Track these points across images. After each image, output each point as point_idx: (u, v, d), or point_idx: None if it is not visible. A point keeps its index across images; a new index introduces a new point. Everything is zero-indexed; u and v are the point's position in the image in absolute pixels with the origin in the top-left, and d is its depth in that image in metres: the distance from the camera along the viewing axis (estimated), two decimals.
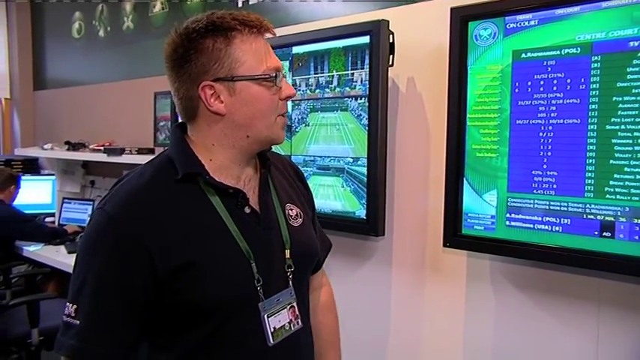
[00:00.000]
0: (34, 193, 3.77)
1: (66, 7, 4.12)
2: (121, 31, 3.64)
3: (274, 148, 1.05)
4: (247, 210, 0.94)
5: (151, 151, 3.04)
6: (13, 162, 4.00)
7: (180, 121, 0.97)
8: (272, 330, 0.93)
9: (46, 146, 3.71)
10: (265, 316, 0.92)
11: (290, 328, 0.96)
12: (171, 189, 0.90)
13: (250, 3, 2.90)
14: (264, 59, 0.91)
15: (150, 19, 3.44)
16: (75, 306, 0.85)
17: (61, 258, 3.04)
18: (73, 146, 3.56)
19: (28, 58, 4.48)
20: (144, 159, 2.94)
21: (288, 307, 0.97)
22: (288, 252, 0.98)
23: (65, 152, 3.55)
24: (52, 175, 3.92)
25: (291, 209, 1.04)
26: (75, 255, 0.92)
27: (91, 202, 3.62)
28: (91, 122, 3.84)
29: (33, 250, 3.23)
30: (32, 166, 4.08)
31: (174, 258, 0.86)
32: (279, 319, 0.95)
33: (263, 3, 2.82)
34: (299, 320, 0.98)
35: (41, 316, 2.63)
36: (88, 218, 0.90)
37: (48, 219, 3.78)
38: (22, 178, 3.45)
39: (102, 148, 3.23)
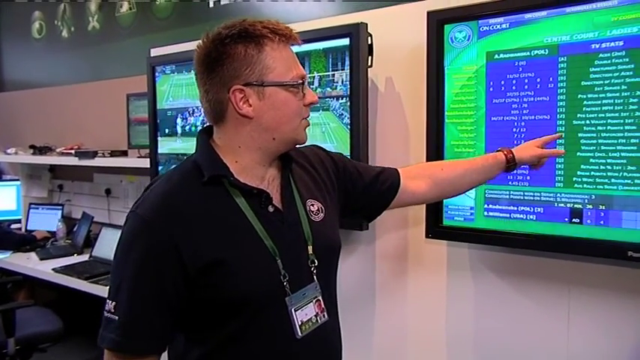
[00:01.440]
0: None
1: (24, 7, 4.01)
2: (86, 31, 3.57)
3: None
4: (271, 209, 1.00)
5: (124, 153, 3.02)
6: None
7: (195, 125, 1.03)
8: (299, 323, 0.98)
9: (9, 151, 3.60)
10: (292, 309, 0.98)
11: (317, 321, 1.01)
12: (199, 191, 0.96)
13: (222, 3, 2.92)
14: (292, 67, 0.98)
15: (117, 20, 3.40)
16: (114, 303, 0.92)
17: (32, 265, 2.98)
18: (39, 150, 3.48)
19: None
20: (117, 161, 2.94)
21: (314, 300, 1.02)
22: (310, 248, 1.03)
23: (31, 156, 3.47)
24: (17, 180, 3.82)
25: (312, 205, 1.08)
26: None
27: (61, 207, 3.55)
28: (56, 125, 3.76)
29: (1, 257, 3.14)
30: None
31: (203, 256, 0.91)
32: (305, 313, 1.00)
33: (235, 3, 2.85)
34: (325, 313, 1.03)
35: (17, 324, 2.58)
36: (123, 222, 0.97)
37: (14, 225, 3.67)
38: None
39: (71, 151, 3.17)
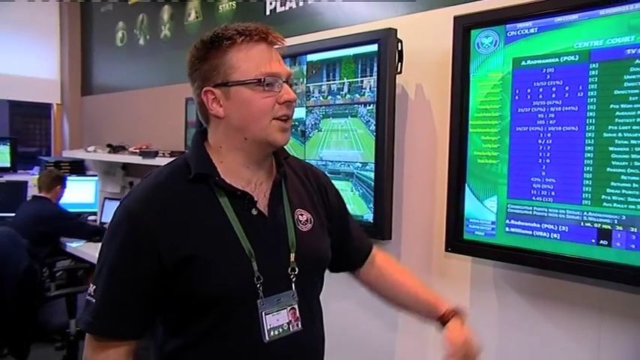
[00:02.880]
0: (79, 193, 4.02)
1: (112, 17, 4.37)
2: (159, 39, 3.82)
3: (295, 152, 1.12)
4: (254, 212, 1.01)
5: (181, 153, 3.18)
6: (61, 163, 4.27)
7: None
8: (268, 327, 0.98)
9: (89, 149, 3.94)
10: (263, 313, 0.98)
11: (288, 329, 1.00)
12: (184, 188, 0.99)
13: (277, 11, 3.00)
14: (260, 65, 0.97)
15: (185, 28, 3.60)
16: (94, 287, 0.97)
17: None
18: (114, 149, 3.76)
19: (77, 65, 4.76)
20: None
21: (288, 308, 1.01)
22: (293, 255, 1.02)
23: (106, 154, 3.76)
24: (95, 176, 4.16)
25: (302, 214, 1.08)
26: None
27: None
28: (131, 126, 4.05)
29: (75, 246, 3.44)
30: (79, 168, 4.34)
31: (179, 250, 0.94)
32: (277, 319, 0.99)
33: (290, 10, 2.91)
34: (299, 323, 1.02)
35: (79, 308, 2.82)
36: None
37: (90, 217, 4.01)
38: (68, 178, 3.69)
39: (139, 150, 3.41)
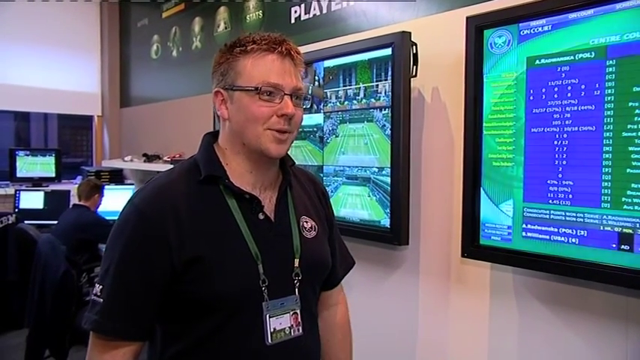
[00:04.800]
0: (116, 201, 4.16)
1: (148, 30, 4.53)
2: (190, 50, 3.93)
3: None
4: (261, 216, 1.02)
5: None
6: (101, 172, 4.44)
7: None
8: (272, 330, 0.98)
9: (126, 158, 4.09)
10: (267, 316, 0.98)
11: (290, 333, 1.01)
12: (194, 188, 1.00)
13: (302, 19, 3.03)
14: (264, 75, 0.98)
15: (215, 39, 3.69)
16: (101, 286, 0.95)
17: None
18: (149, 158, 3.89)
19: (116, 78, 4.96)
20: None
21: (291, 312, 1.01)
22: (297, 261, 1.03)
23: (141, 163, 3.89)
24: (132, 184, 4.30)
25: (306, 221, 1.09)
26: None
27: None
28: (165, 135, 4.17)
29: None
30: (118, 177, 4.50)
31: (187, 251, 0.94)
32: (280, 322, 1.00)
33: (313, 18, 2.94)
34: (300, 327, 1.02)
35: None
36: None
37: None
38: (106, 187, 3.83)
39: (171, 159, 3.50)
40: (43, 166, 4.54)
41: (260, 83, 0.98)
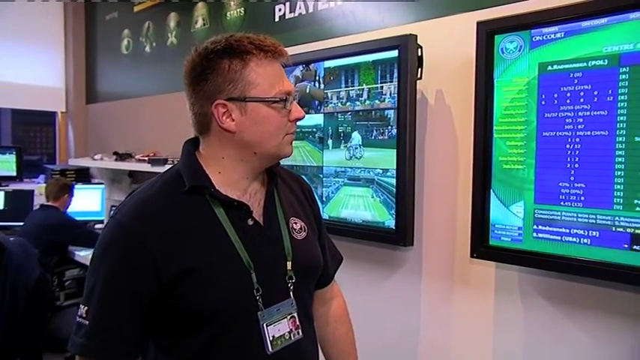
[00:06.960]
0: (85, 201, 3.99)
1: (117, 24, 4.36)
2: (165, 46, 3.81)
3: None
4: (250, 222, 0.99)
5: None
6: (67, 171, 4.24)
7: (192, 136, 1.03)
8: (271, 338, 0.96)
9: (96, 156, 3.92)
10: (264, 324, 0.96)
11: (290, 337, 0.99)
12: (178, 200, 0.95)
13: (287, 17, 3.00)
14: (276, 83, 0.96)
15: (192, 35, 3.59)
16: (86, 307, 0.91)
17: None
18: (121, 156, 3.74)
19: (82, 73, 4.75)
20: None
21: (288, 317, 1.00)
22: (289, 263, 1.01)
23: (113, 162, 3.74)
24: (102, 184, 4.14)
25: (296, 223, 1.08)
26: None
27: None
28: (137, 134, 4.03)
29: (84, 254, 3.41)
30: (84, 176, 4.31)
31: (176, 264, 0.90)
32: (278, 329, 0.98)
33: (299, 17, 2.91)
34: (299, 330, 1.01)
35: None
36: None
37: (97, 226, 3.98)
38: (75, 186, 3.67)
39: (147, 158, 3.39)
40: (3, 164, 4.29)
41: (278, 93, 0.96)
